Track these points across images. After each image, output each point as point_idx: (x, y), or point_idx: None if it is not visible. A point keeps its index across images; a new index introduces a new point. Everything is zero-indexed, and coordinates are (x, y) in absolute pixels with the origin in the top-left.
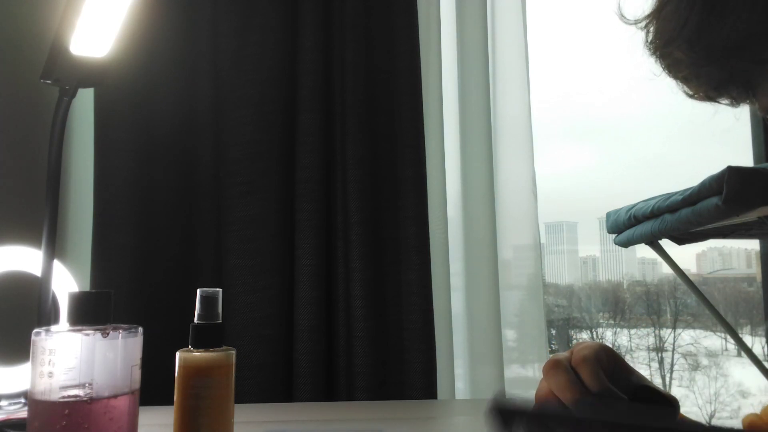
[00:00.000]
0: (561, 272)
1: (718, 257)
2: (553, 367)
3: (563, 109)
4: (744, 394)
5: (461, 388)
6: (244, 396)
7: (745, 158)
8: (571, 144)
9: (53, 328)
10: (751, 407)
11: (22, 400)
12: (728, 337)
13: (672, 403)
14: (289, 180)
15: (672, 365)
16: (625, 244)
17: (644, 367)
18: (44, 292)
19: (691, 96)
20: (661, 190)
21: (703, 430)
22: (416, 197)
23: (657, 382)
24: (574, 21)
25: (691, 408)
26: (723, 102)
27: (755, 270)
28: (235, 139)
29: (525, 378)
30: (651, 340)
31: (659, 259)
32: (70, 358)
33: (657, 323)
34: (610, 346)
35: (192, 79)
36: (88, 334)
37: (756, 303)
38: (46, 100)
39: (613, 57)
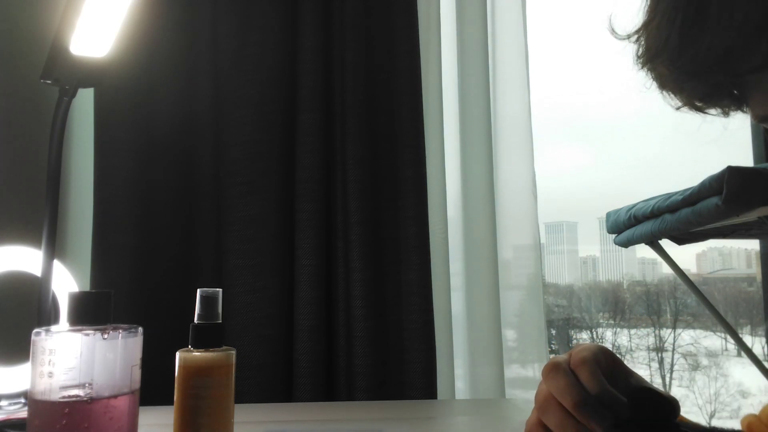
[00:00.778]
0: (561, 272)
1: (718, 257)
2: (552, 370)
3: (563, 109)
4: (744, 394)
5: (461, 388)
6: (244, 396)
7: (745, 158)
8: (571, 144)
9: (53, 328)
10: (751, 407)
11: (22, 400)
12: (728, 337)
13: (672, 405)
14: (289, 180)
15: (672, 365)
16: (625, 244)
17: (644, 367)
18: (44, 292)
19: (678, 108)
20: (661, 190)
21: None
22: (416, 197)
23: (657, 382)
24: (573, 21)
25: (691, 408)
26: (711, 113)
27: (755, 270)
28: (235, 139)
29: (525, 378)
30: (651, 340)
31: (659, 259)
32: (70, 358)
33: (657, 323)
34: (610, 346)
35: (192, 79)
36: (88, 334)
37: (756, 303)
38: (46, 100)
39: (613, 57)
